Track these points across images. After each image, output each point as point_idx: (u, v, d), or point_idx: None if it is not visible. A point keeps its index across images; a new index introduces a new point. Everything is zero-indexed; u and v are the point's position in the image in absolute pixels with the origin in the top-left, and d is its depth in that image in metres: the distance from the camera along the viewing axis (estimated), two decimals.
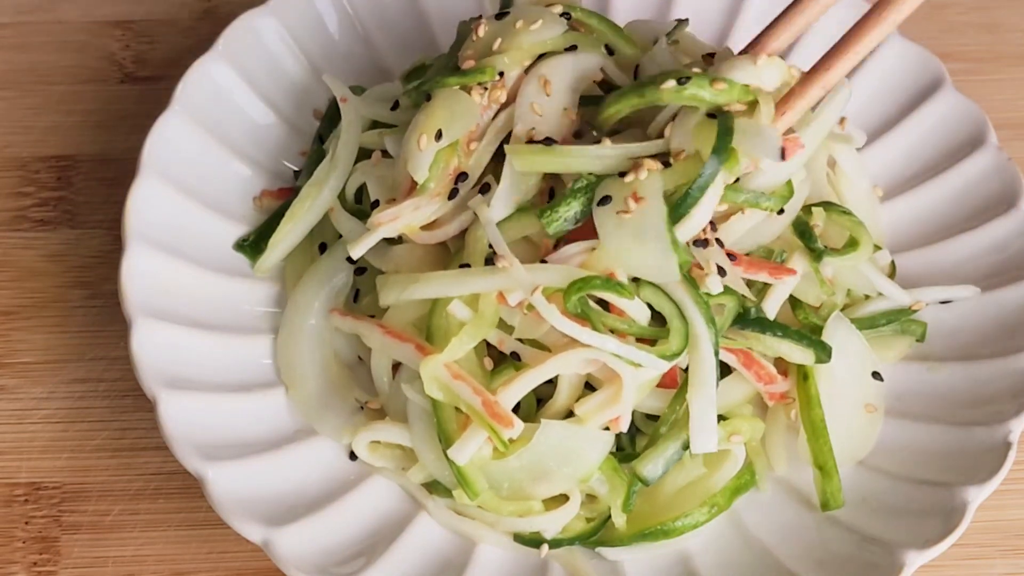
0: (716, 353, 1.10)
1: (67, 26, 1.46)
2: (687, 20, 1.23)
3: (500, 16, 1.20)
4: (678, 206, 1.07)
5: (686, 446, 1.11)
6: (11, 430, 1.22)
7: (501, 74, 1.15)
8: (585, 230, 1.10)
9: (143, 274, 1.16)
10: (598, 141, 1.11)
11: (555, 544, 1.13)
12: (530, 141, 1.12)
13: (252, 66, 1.30)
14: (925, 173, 1.30)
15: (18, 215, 1.33)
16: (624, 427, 1.10)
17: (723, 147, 1.06)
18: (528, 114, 1.14)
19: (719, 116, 1.07)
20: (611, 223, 1.08)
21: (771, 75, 1.10)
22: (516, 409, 1.09)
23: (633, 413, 1.11)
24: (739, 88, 1.08)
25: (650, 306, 1.10)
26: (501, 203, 1.11)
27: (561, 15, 1.18)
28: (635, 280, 1.10)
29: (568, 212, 1.09)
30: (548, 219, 1.09)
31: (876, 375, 1.18)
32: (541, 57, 1.17)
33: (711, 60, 1.17)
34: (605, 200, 1.08)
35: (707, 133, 1.07)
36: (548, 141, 1.12)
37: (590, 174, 1.09)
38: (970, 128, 1.29)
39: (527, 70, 1.16)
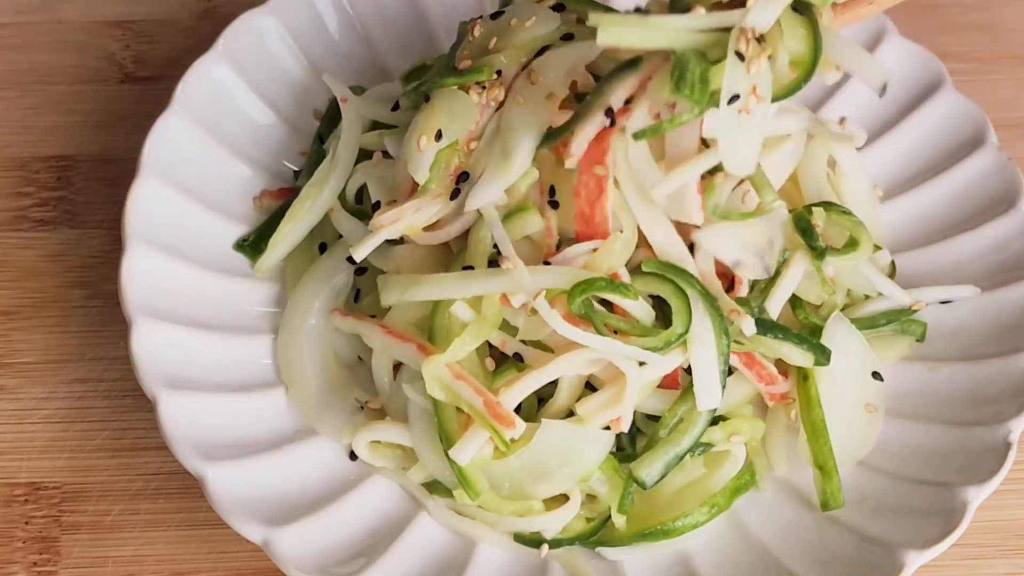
0: (720, 317, 1.09)
1: (67, 26, 1.46)
2: None
3: (495, 16, 1.20)
4: None
5: (686, 452, 1.11)
6: (11, 430, 1.22)
7: (499, 73, 1.15)
8: (588, 230, 1.11)
9: (143, 274, 1.16)
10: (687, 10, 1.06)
11: (555, 544, 1.13)
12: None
13: (252, 66, 1.30)
14: (925, 173, 1.30)
15: (18, 215, 1.33)
16: (625, 427, 1.10)
17: (819, 53, 1.05)
18: (514, 105, 1.13)
19: (808, 16, 1.06)
20: (733, 123, 1.05)
21: None
22: (517, 409, 1.09)
23: (634, 413, 1.11)
24: None
25: (653, 306, 1.11)
26: (487, 189, 1.11)
27: (553, 8, 1.18)
28: (631, 272, 1.10)
29: (694, 77, 1.02)
30: (685, 87, 1.01)
31: (876, 375, 1.18)
32: (538, 54, 1.17)
33: None
34: (734, 99, 1.04)
35: (792, 26, 1.05)
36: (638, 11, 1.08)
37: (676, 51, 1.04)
38: (970, 128, 1.29)
39: (523, 67, 1.16)
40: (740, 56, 1.03)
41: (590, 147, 1.10)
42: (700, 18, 1.05)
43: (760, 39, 1.04)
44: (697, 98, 1.02)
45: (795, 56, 1.06)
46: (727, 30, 1.04)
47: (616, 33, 1.03)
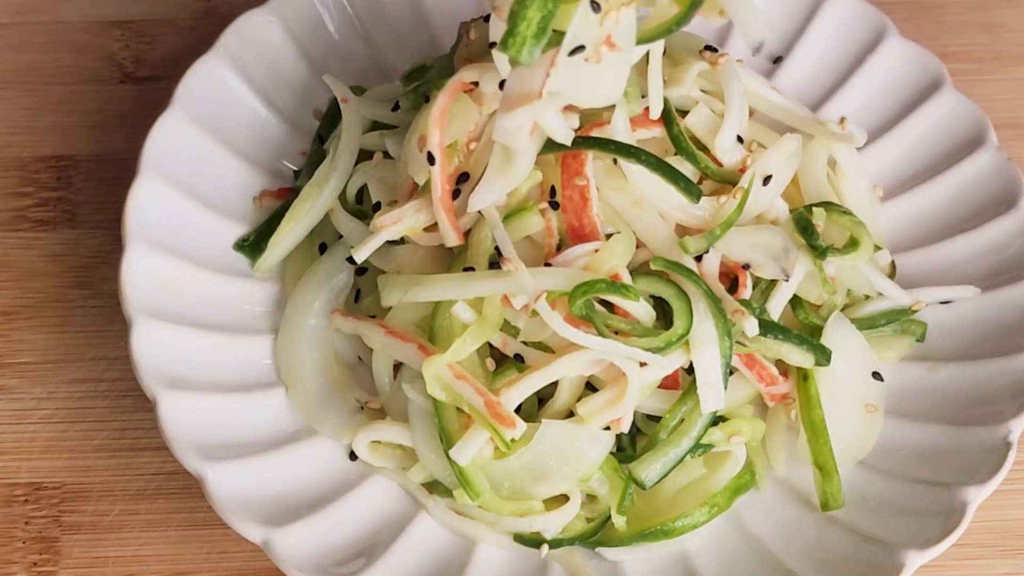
0: (724, 319, 1.09)
1: (66, 26, 1.46)
2: None
3: (488, 18, 1.19)
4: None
5: (686, 453, 1.11)
6: (11, 430, 1.22)
7: None
8: (588, 232, 1.11)
9: (143, 274, 1.16)
10: None
11: (555, 544, 1.13)
12: None
13: (252, 66, 1.30)
14: (925, 173, 1.30)
15: (18, 215, 1.33)
16: (625, 428, 1.10)
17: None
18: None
19: None
20: (575, 70, 1.02)
21: None
22: (517, 409, 1.09)
23: (634, 414, 1.11)
24: None
25: (654, 307, 1.11)
26: (487, 191, 1.10)
27: None
28: (633, 273, 1.09)
29: (528, 29, 0.98)
30: (513, 46, 0.97)
31: (876, 375, 1.18)
32: None
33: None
34: (578, 50, 1.02)
35: None
36: None
37: None
38: (970, 128, 1.29)
39: None
40: (596, 6, 1.01)
41: (567, 160, 1.10)
42: None
43: None
44: (524, 58, 0.98)
45: None
46: None
47: None
